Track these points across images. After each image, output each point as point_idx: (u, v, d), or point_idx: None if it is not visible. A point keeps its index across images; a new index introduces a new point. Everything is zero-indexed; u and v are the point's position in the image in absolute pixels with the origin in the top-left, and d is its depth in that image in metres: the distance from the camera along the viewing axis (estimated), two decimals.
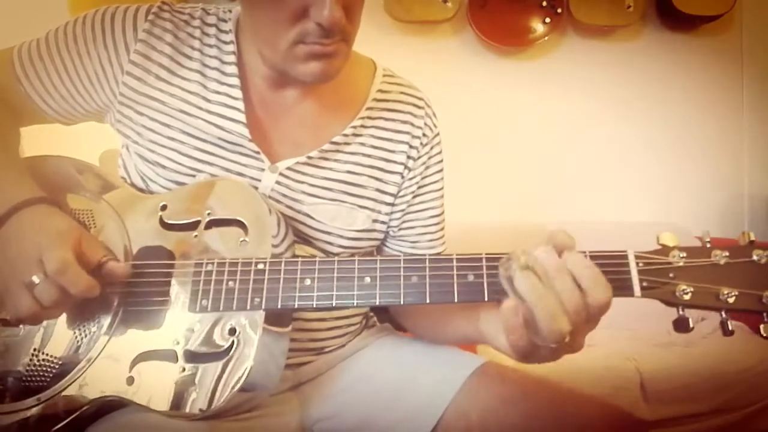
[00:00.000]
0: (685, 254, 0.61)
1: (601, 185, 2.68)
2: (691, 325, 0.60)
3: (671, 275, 0.61)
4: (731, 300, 0.59)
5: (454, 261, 0.64)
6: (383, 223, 0.88)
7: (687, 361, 1.90)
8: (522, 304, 0.57)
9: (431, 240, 0.92)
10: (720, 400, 1.88)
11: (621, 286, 0.61)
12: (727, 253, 0.60)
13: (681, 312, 0.61)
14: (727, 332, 0.60)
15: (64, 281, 0.65)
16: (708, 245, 0.62)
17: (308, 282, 0.67)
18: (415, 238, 0.91)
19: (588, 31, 2.62)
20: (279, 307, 0.67)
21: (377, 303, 0.65)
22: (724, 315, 0.60)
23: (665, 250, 0.62)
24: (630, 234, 2.43)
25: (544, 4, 2.48)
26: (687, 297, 0.60)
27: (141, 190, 0.84)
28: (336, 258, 0.67)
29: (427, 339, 0.90)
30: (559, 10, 2.49)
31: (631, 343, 2.05)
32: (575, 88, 2.66)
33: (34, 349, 0.74)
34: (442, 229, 0.94)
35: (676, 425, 1.87)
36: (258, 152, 0.80)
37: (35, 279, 0.65)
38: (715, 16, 2.55)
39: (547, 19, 2.50)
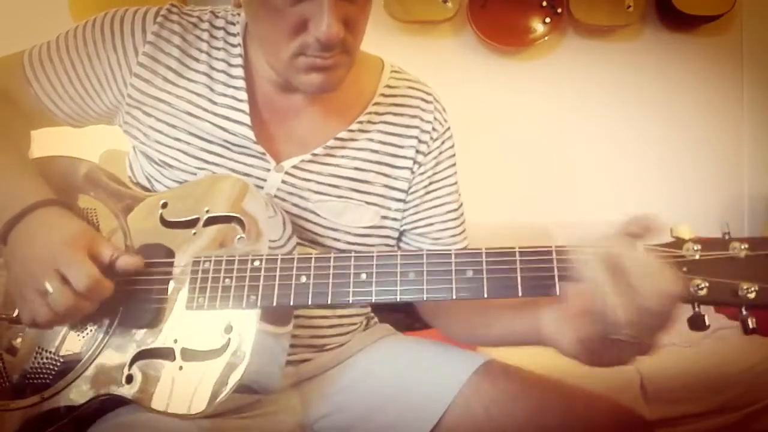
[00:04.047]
0: (700, 247, 0.56)
1: (600, 185, 2.68)
2: (707, 323, 0.56)
3: (685, 269, 0.56)
4: (751, 296, 0.54)
5: (453, 256, 0.63)
6: (394, 219, 0.88)
7: (687, 361, 1.90)
8: (590, 291, 0.55)
9: (453, 236, 0.91)
10: (720, 400, 1.88)
11: None
12: (747, 245, 0.55)
13: (696, 309, 0.57)
14: (747, 330, 0.55)
15: (94, 296, 0.67)
16: (727, 237, 0.57)
17: (304, 279, 0.66)
18: (437, 235, 0.90)
19: (588, 31, 2.62)
20: (274, 304, 0.67)
21: (373, 300, 0.64)
22: (744, 312, 0.55)
23: (679, 242, 0.58)
24: None
25: (544, 4, 2.49)
26: (702, 293, 0.55)
27: (146, 189, 0.85)
28: (332, 254, 0.66)
29: (463, 339, 0.89)
30: (559, 10, 2.49)
31: None
32: (575, 88, 2.66)
33: (39, 347, 0.74)
34: (462, 223, 0.92)
35: (676, 425, 1.87)
36: (263, 153, 0.80)
37: (48, 287, 0.66)
38: (715, 16, 2.55)
39: (547, 19, 2.50)
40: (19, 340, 0.76)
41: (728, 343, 2.00)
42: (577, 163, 2.68)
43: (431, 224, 0.90)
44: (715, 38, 2.71)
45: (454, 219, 0.91)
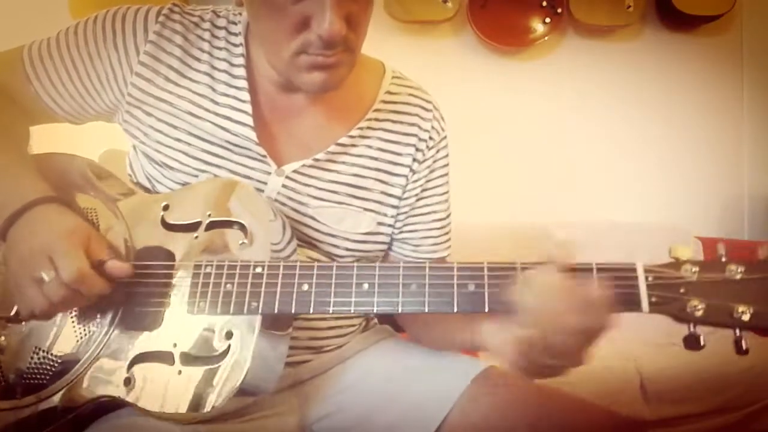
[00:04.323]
0: (697, 268, 0.58)
1: (600, 185, 2.68)
2: (702, 343, 0.58)
3: (682, 290, 0.58)
4: (746, 318, 0.56)
5: (455, 270, 0.62)
6: (389, 226, 0.88)
7: (687, 361, 1.90)
8: (530, 326, 0.58)
9: (434, 244, 0.91)
10: (720, 400, 1.88)
11: (628, 301, 0.58)
12: (743, 268, 0.57)
13: (692, 329, 0.58)
14: (740, 351, 0.57)
15: (82, 288, 0.67)
16: (723, 259, 0.58)
17: (306, 287, 0.66)
18: (418, 242, 0.90)
19: (588, 31, 2.62)
20: (276, 312, 0.66)
21: (374, 311, 0.64)
22: (738, 333, 0.57)
23: (677, 263, 0.59)
24: (630, 234, 2.43)
25: (544, 4, 2.48)
26: (699, 314, 0.57)
27: (147, 190, 0.85)
28: (334, 263, 0.67)
29: (425, 344, 0.90)
30: (559, 10, 2.49)
31: (631, 343, 2.05)
32: (575, 88, 2.66)
33: (36, 347, 0.74)
34: (447, 233, 0.93)
35: (677, 425, 1.87)
36: (265, 156, 0.80)
37: (45, 276, 0.66)
38: (715, 16, 2.55)
39: (547, 19, 2.50)
40: (2, 338, 0.76)
41: (728, 343, 1.99)
42: (577, 163, 2.67)
43: (415, 231, 0.90)
44: (715, 38, 2.71)
45: (439, 228, 0.91)
